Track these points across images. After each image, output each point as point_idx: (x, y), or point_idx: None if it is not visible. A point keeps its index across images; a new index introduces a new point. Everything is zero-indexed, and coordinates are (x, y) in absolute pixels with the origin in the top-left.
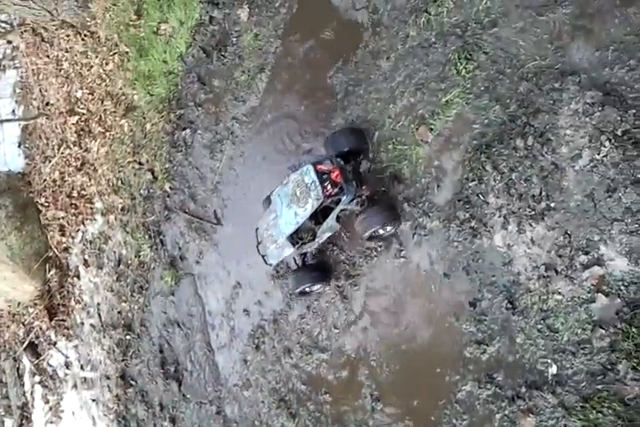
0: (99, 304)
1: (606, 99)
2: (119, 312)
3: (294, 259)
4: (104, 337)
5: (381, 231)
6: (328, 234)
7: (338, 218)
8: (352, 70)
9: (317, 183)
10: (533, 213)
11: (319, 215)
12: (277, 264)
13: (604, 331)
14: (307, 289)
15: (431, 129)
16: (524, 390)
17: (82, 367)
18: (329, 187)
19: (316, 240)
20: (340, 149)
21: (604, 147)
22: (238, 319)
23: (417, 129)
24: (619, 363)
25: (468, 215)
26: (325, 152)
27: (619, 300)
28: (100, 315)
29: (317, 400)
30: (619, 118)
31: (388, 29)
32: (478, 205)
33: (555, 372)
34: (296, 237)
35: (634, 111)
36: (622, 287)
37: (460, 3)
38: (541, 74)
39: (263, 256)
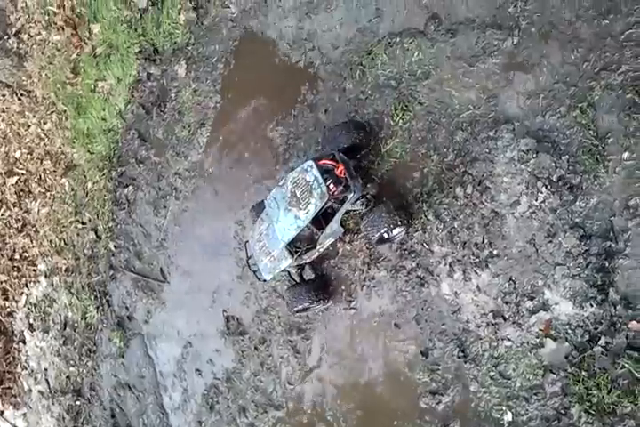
0: (46, 370)
1: (540, 146)
2: (68, 377)
3: (289, 273)
4: (53, 404)
5: (392, 233)
6: (331, 240)
7: (342, 222)
8: (292, 123)
9: (321, 180)
10: (477, 260)
11: (321, 219)
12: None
13: (554, 375)
14: (307, 307)
15: (372, 179)
16: None
17: None
18: (332, 186)
19: (317, 248)
20: (339, 145)
21: (541, 193)
22: (191, 379)
23: None
24: (571, 407)
25: (414, 264)
26: (322, 149)
27: (567, 344)
28: (47, 381)
29: None
30: (553, 164)
31: (325, 82)
32: (424, 254)
33: (510, 419)
34: (293, 248)
35: (567, 157)
36: (569, 331)
37: (393, 55)
38: (476, 123)
39: (255, 272)
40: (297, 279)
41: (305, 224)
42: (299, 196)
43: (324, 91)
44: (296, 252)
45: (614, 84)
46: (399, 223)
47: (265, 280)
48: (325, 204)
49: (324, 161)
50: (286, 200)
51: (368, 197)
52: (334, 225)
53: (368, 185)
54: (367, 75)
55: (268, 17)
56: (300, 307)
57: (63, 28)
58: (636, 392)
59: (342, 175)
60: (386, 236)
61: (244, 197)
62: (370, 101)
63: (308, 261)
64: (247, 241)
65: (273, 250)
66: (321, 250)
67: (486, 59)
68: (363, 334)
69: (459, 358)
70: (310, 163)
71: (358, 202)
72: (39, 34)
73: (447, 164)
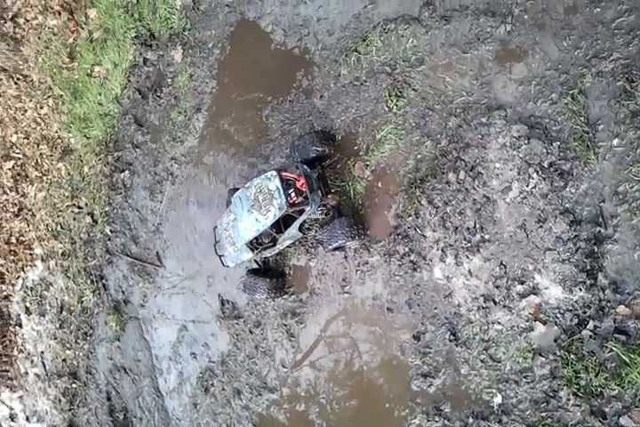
0: (42, 353)
1: (532, 132)
2: (64, 360)
3: (255, 260)
4: (49, 386)
5: (347, 244)
6: (289, 242)
7: (301, 227)
8: (287, 109)
9: (281, 192)
10: (469, 245)
11: (281, 223)
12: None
13: (544, 359)
14: (261, 297)
15: (367, 165)
16: (471, 420)
17: (27, 419)
18: (293, 195)
19: (277, 247)
20: (306, 155)
21: (532, 179)
22: (186, 363)
23: (353, 165)
24: (560, 390)
25: (407, 249)
26: (291, 155)
27: (556, 327)
28: (44, 364)
29: None
30: (544, 150)
31: (320, 68)
32: (416, 239)
33: (500, 401)
34: (255, 243)
35: (558, 143)
36: (558, 315)
37: (388, 42)
38: (469, 109)
39: (220, 257)
40: (260, 266)
41: (264, 228)
42: (261, 201)
43: (320, 76)
44: (257, 248)
45: (605, 72)
46: (355, 238)
47: (227, 266)
48: (284, 213)
49: (286, 173)
50: (250, 202)
51: (328, 206)
52: (293, 231)
53: (329, 196)
54: (362, 61)
55: (265, 2)
56: (255, 297)
57: (60, 13)
58: (623, 375)
59: (303, 188)
60: (339, 246)
61: (240, 182)
62: (365, 88)
63: (269, 255)
64: (216, 227)
65: (237, 242)
66: (280, 248)
67: (480, 46)
68: (356, 318)
69: (450, 341)
70: (274, 173)
71: (318, 211)
72: (35, 18)
73: (440, 149)
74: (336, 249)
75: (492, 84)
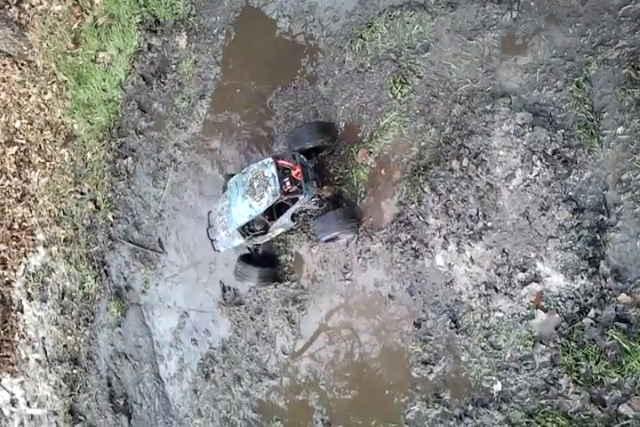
0: (44, 338)
1: (536, 119)
2: (65, 346)
3: (248, 247)
4: (50, 372)
5: (338, 237)
6: (281, 230)
7: (293, 216)
8: (292, 95)
9: (277, 179)
10: (471, 232)
11: (274, 211)
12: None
13: (544, 346)
14: (249, 284)
15: (370, 152)
16: (470, 407)
17: (28, 404)
18: (288, 184)
19: (268, 234)
20: (303, 145)
21: (536, 166)
22: (187, 349)
23: (357, 152)
24: (560, 377)
25: (409, 236)
26: (288, 146)
27: (557, 315)
28: (45, 349)
29: None
30: (548, 138)
31: (325, 55)
32: (419, 227)
33: (500, 389)
34: (247, 229)
35: (562, 131)
36: (560, 303)
37: (394, 28)
38: (473, 96)
39: (212, 241)
40: (252, 252)
41: (257, 214)
42: (256, 187)
43: (324, 63)
44: (248, 234)
45: (611, 59)
46: (348, 231)
47: (218, 251)
48: (278, 200)
49: (283, 161)
50: (245, 188)
51: (323, 197)
52: (285, 219)
53: (324, 187)
54: (367, 47)
55: None
56: (246, 283)
57: None
58: (624, 363)
59: (298, 177)
60: (331, 238)
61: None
62: (369, 74)
63: (260, 243)
64: (210, 211)
65: (229, 227)
66: (272, 236)
67: (485, 32)
68: (357, 305)
69: (451, 328)
70: (270, 160)
71: (312, 202)
72: (40, 3)
73: (444, 137)
74: (328, 241)
75: (497, 72)
